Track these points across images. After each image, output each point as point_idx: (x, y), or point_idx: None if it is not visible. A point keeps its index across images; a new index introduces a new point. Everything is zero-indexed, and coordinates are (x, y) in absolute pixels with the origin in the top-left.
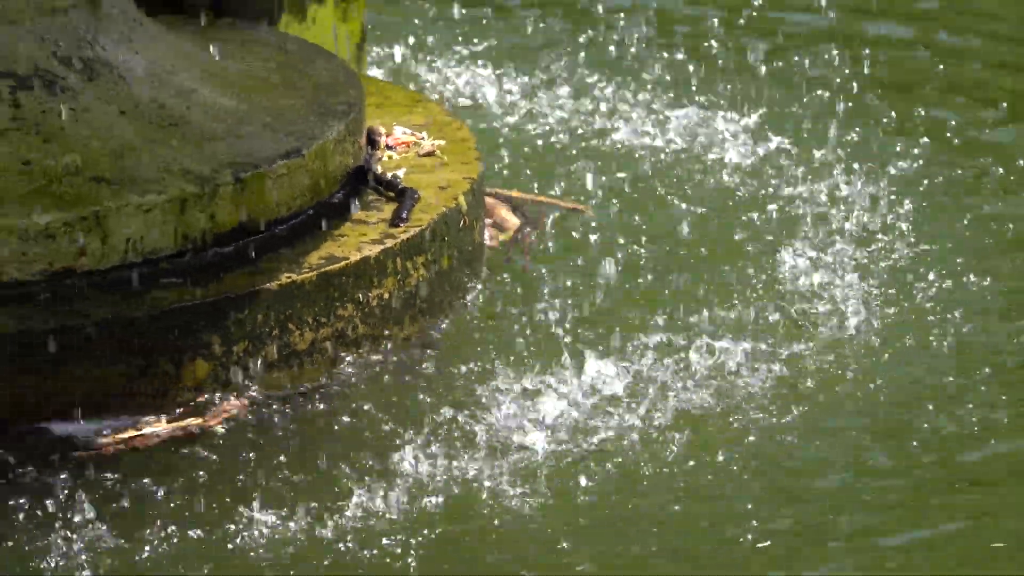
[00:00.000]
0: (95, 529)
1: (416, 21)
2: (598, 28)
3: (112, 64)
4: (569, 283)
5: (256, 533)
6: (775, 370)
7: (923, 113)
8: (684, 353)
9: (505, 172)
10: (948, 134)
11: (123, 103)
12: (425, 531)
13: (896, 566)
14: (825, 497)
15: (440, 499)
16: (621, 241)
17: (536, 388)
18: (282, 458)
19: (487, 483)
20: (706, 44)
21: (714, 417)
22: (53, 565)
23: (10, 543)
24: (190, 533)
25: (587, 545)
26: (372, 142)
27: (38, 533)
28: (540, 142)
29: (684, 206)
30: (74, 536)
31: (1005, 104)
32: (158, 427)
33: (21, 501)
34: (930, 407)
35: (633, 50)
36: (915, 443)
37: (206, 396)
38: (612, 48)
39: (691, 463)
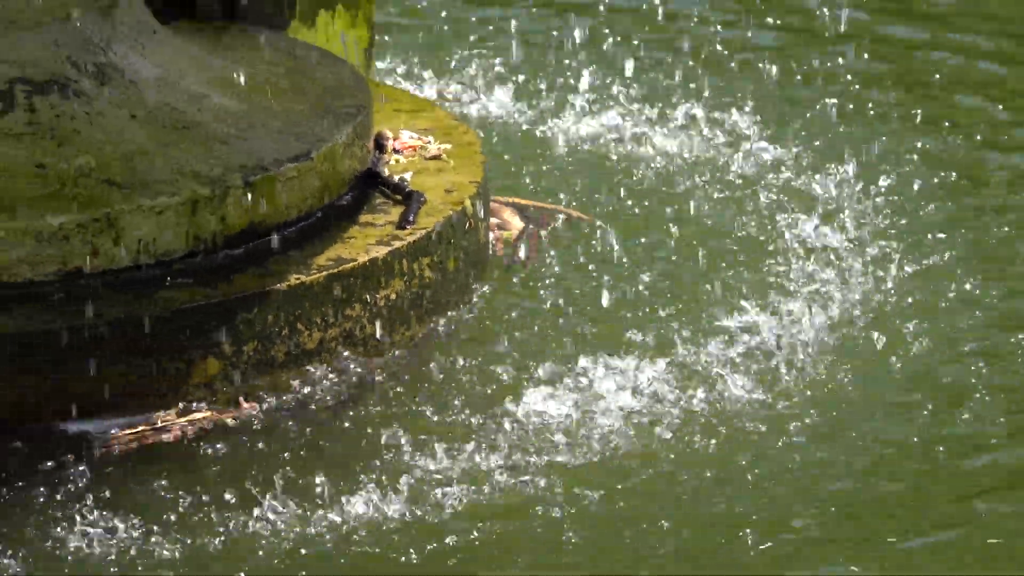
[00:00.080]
0: (107, 524)
1: (423, 28)
2: (601, 35)
3: (125, 69)
4: (571, 284)
5: (264, 530)
6: (777, 371)
7: (928, 111)
8: (685, 353)
9: (510, 177)
10: (957, 132)
11: (135, 107)
12: (432, 530)
13: (897, 566)
14: (829, 498)
15: (448, 498)
16: (623, 244)
17: (540, 387)
18: (290, 456)
19: (494, 482)
20: (712, 50)
21: (716, 417)
22: (67, 558)
23: (27, 537)
24: (199, 529)
25: (592, 544)
26: (380, 146)
27: (54, 527)
28: (545, 148)
29: (686, 210)
30: (88, 531)
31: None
32: (169, 424)
33: (36, 496)
34: (932, 408)
35: (636, 56)
36: (918, 442)
37: (216, 394)
38: (615, 54)
39: (694, 463)
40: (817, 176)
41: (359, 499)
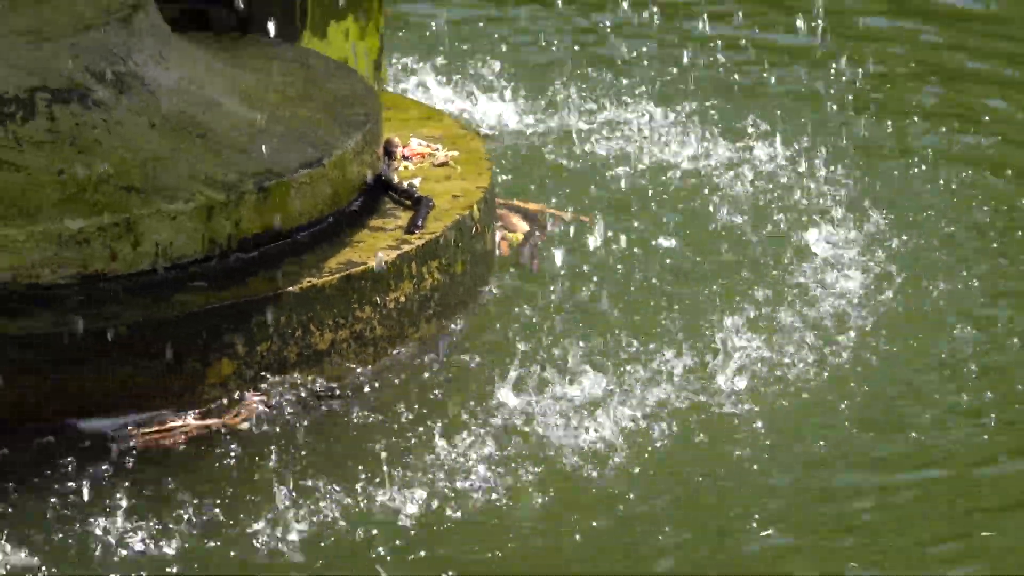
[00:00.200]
0: (122, 521)
1: (432, 38)
2: (604, 41)
3: (143, 78)
4: (575, 287)
5: (277, 530)
6: (779, 372)
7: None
8: (687, 355)
9: (515, 182)
10: (957, 134)
11: (153, 115)
12: (436, 528)
13: (899, 567)
14: (835, 499)
15: (451, 496)
16: (624, 247)
17: (543, 387)
18: (303, 455)
19: (501, 481)
20: (711, 58)
21: (717, 418)
22: (80, 556)
23: (41, 532)
24: (213, 528)
25: (596, 543)
26: (389, 153)
27: (68, 524)
28: (549, 153)
29: (689, 213)
30: (102, 528)
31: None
32: (185, 424)
33: (51, 495)
34: (936, 409)
35: (640, 64)
36: (921, 441)
37: (231, 394)
38: (618, 62)
39: (696, 464)
40: (821, 183)
41: (370, 498)
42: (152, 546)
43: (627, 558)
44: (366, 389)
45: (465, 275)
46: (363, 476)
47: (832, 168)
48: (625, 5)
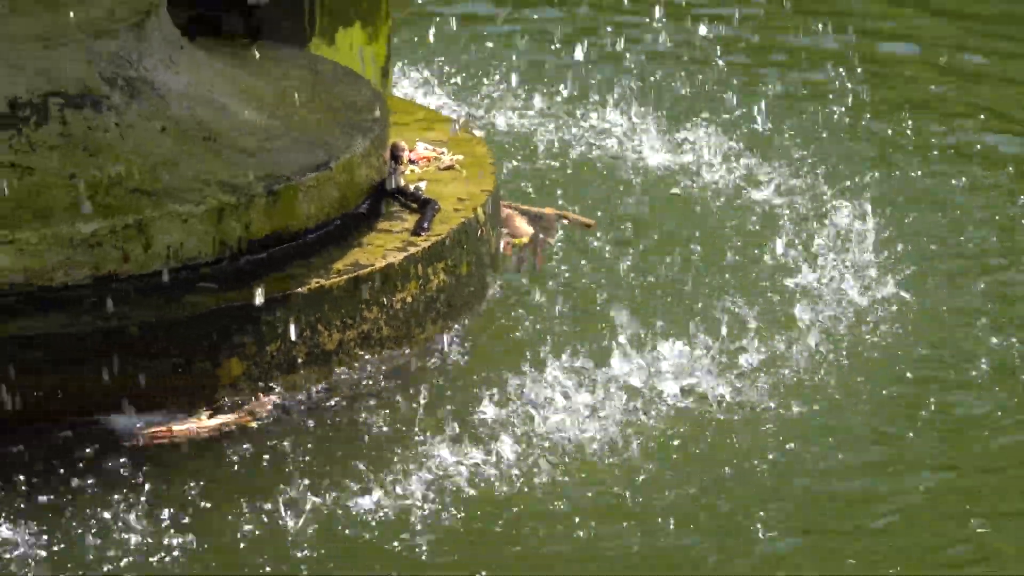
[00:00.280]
0: (131, 517)
1: (438, 45)
2: (606, 47)
3: (154, 84)
4: (577, 288)
5: (284, 527)
6: (779, 373)
7: (930, 129)
8: (688, 355)
9: (519, 185)
10: (965, 150)
11: (164, 120)
12: (441, 525)
13: (901, 567)
14: (842, 502)
15: (456, 493)
16: (628, 250)
17: (546, 388)
18: (311, 453)
19: (499, 481)
20: (716, 64)
21: (719, 419)
22: (92, 550)
23: (54, 527)
24: (222, 522)
25: (599, 544)
26: (396, 157)
27: (79, 519)
28: (552, 157)
29: (691, 217)
30: (112, 523)
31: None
32: (195, 423)
33: (62, 492)
34: (940, 411)
35: (642, 64)
36: (928, 446)
37: (240, 393)
38: (621, 64)
39: (697, 464)
40: (824, 191)
41: (377, 495)
42: (161, 542)
43: (630, 558)
44: (373, 389)
45: (470, 276)
46: (370, 475)
47: (839, 167)
48: (626, 5)
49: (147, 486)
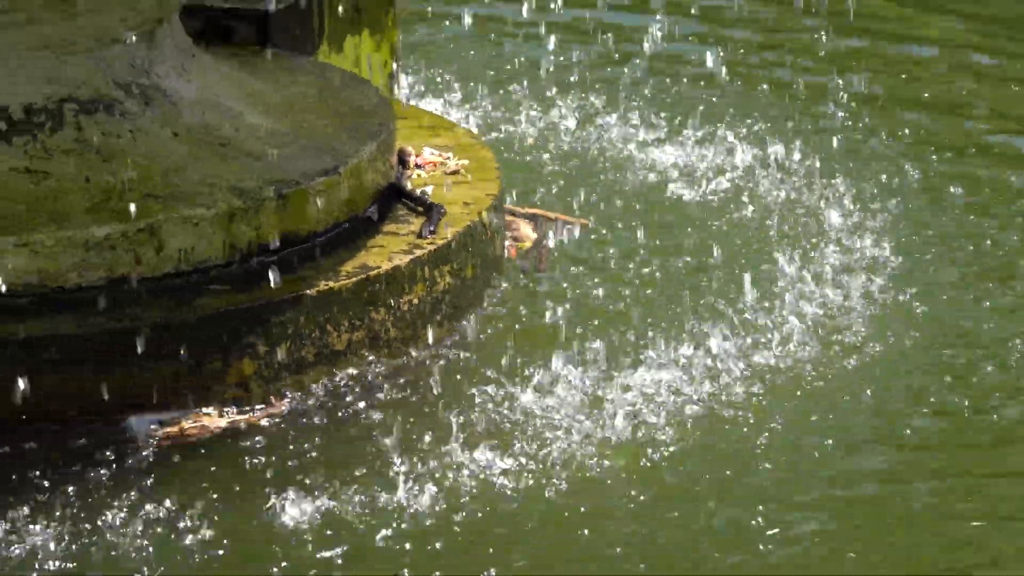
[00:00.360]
0: (142, 515)
1: (444, 51)
2: (607, 50)
3: (166, 90)
4: (581, 291)
5: (293, 525)
6: (780, 373)
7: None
8: (690, 357)
9: (523, 189)
10: (974, 151)
11: (176, 126)
12: (456, 526)
13: (902, 568)
14: (841, 500)
15: (458, 492)
16: (631, 253)
17: (550, 388)
18: (320, 452)
19: (501, 480)
20: (715, 66)
21: (721, 420)
22: (103, 547)
23: (67, 524)
24: (233, 520)
25: (607, 541)
26: (402, 161)
27: (92, 517)
28: (556, 162)
29: (693, 218)
30: (124, 521)
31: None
32: (207, 422)
33: (75, 490)
34: (946, 414)
35: (645, 65)
36: (936, 447)
37: (251, 393)
38: (622, 71)
39: (700, 464)
40: (824, 192)
41: (384, 494)
42: (172, 542)
43: (635, 558)
44: (381, 388)
45: (475, 279)
46: (378, 474)
47: (841, 167)
48: (626, 4)
49: (159, 486)
